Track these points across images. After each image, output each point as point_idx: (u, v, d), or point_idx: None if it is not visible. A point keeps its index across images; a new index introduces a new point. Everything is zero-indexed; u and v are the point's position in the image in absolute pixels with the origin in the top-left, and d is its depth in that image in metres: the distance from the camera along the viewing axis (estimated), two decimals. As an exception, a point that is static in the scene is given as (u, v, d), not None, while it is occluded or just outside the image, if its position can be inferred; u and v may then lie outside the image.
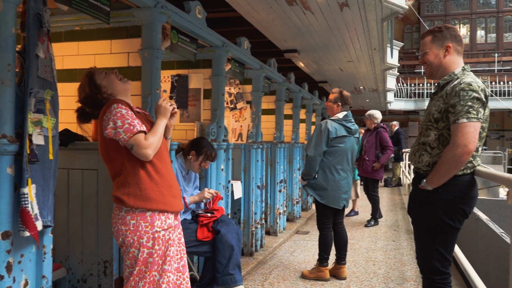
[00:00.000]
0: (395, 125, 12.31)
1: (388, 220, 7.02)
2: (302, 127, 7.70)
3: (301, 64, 7.52)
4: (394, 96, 15.79)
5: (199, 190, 3.46)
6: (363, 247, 5.23)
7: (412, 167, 2.92)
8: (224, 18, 5.48)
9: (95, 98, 2.18)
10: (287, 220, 6.43)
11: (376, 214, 6.60)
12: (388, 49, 7.28)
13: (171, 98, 4.00)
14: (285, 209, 6.00)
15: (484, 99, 2.18)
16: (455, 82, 2.24)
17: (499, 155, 15.61)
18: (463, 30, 20.94)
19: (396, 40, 19.11)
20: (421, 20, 16.83)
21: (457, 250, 3.38)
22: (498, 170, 11.16)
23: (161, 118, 2.17)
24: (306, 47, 6.26)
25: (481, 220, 3.70)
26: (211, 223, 3.15)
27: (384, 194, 10.23)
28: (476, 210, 4.03)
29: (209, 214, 3.21)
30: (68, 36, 3.12)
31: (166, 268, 2.09)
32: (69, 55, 3.12)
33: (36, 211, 1.79)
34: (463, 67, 2.33)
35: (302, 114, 7.90)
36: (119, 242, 2.09)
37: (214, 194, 3.31)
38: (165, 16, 2.78)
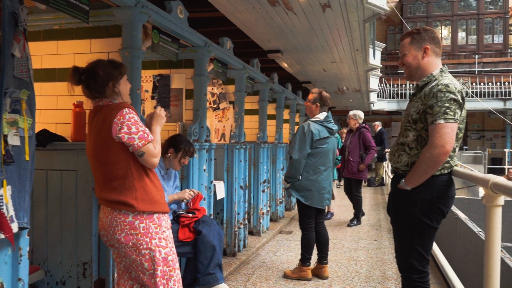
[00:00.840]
0: (378, 125, 12.45)
1: (370, 219, 7.09)
2: (286, 127, 7.72)
3: (284, 65, 7.54)
4: (377, 97, 15.95)
5: (180, 190, 3.45)
6: (345, 247, 5.27)
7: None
8: (207, 18, 5.47)
9: (103, 81, 2.15)
10: (271, 220, 6.45)
11: (359, 214, 6.63)
12: (371, 50, 7.35)
13: (152, 98, 3.98)
14: (268, 209, 6.01)
15: (461, 100, 2.21)
16: (433, 84, 2.28)
17: (480, 155, 15.91)
18: (444, 32, 21.23)
19: (379, 41, 19.27)
20: (404, 21, 17.03)
21: (435, 248, 3.43)
22: (478, 170, 11.32)
23: (158, 126, 2.27)
24: (289, 48, 6.29)
25: (460, 219, 3.76)
26: (193, 223, 3.14)
27: (367, 194, 10.33)
28: (455, 209, 4.09)
29: (190, 215, 3.20)
30: (47, 35, 3.08)
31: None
32: (48, 54, 3.08)
33: (12, 213, 1.76)
34: (441, 68, 2.37)
35: (286, 114, 7.93)
36: (129, 247, 2.11)
37: (194, 195, 3.30)
38: (146, 16, 2.77)
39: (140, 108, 3.73)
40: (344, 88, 10.60)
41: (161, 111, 2.30)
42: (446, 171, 2.31)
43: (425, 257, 2.35)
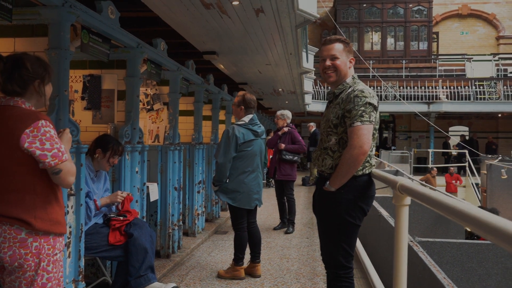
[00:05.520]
0: (312, 126, 12.86)
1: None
2: (222, 128, 7.78)
3: (221, 66, 7.59)
4: (312, 98, 16.43)
5: (111, 193, 3.40)
6: (278, 245, 5.42)
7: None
8: (141, 18, 5.40)
9: (29, 78, 1.93)
10: (206, 220, 6.48)
11: (293, 218, 6.36)
12: (304, 54, 7.59)
13: (83, 98, 3.88)
14: (203, 209, 6.04)
15: (375, 104, 2.40)
16: (349, 90, 2.46)
17: (406, 154, 16.88)
18: (375, 37, 22.29)
19: (314, 44, 19.82)
20: (337, 26, 17.69)
21: (358, 244, 3.64)
22: (404, 169, 11.94)
23: (67, 147, 2.06)
24: (225, 50, 6.34)
25: (383, 216, 4.02)
26: (124, 226, 3.12)
27: (301, 193, 10.64)
28: (378, 207, 4.36)
29: (121, 218, 3.17)
30: (-34, 31, 2.92)
31: None
32: (-33, 51, 2.92)
33: None
34: (352, 76, 2.58)
35: (222, 115, 8.00)
36: (13, 267, 1.87)
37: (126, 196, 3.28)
38: (74, 16, 2.71)
39: (69, 109, 3.64)
40: (280, 89, 10.83)
41: (70, 134, 2.13)
42: (367, 171, 2.49)
43: (350, 253, 2.51)
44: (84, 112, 3.89)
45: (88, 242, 2.97)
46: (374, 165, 2.53)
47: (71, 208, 2.76)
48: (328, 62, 2.56)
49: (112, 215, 3.22)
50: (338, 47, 2.54)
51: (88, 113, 3.89)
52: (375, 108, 2.41)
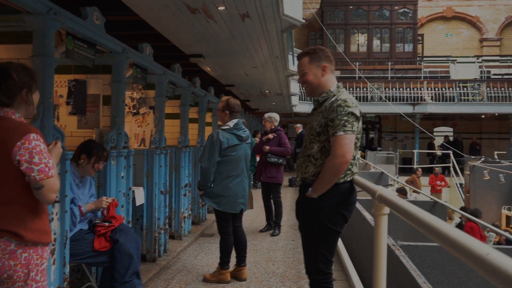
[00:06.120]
0: (299, 127, 12.93)
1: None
2: (209, 130, 7.79)
3: (207, 69, 7.60)
4: (299, 100, 16.51)
5: (96, 198, 3.40)
6: (264, 248, 5.46)
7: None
8: (127, 21, 5.38)
9: (16, 88, 1.92)
10: (193, 223, 6.49)
11: (280, 221, 6.41)
12: (290, 57, 7.64)
13: (68, 103, 3.87)
14: (190, 212, 6.05)
15: (358, 114, 2.45)
16: (333, 99, 2.50)
17: (392, 155, 17.07)
18: (361, 39, 22.47)
19: (301, 45, 19.88)
20: (324, 28, 17.80)
21: (341, 248, 3.69)
22: (389, 170, 12.07)
23: (55, 160, 2.08)
24: (212, 53, 6.35)
25: (366, 220, 4.08)
26: (109, 232, 3.12)
27: (288, 194, 10.70)
28: (362, 211, 4.43)
29: (107, 224, 3.18)
30: None
31: None
32: (-51, 57, 2.90)
33: None
34: (337, 84, 2.61)
35: (209, 117, 8.01)
36: (2, 278, 1.87)
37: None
38: (59, 23, 2.71)
39: (54, 114, 3.63)
40: (267, 91, 10.87)
41: (60, 147, 2.13)
42: (348, 178, 2.54)
43: (330, 259, 2.56)
44: (69, 117, 3.89)
45: (73, 249, 2.97)
46: (356, 173, 2.58)
47: (56, 215, 2.76)
48: (300, 79, 2.68)
49: (97, 221, 3.23)
50: (304, 62, 2.63)
51: (73, 118, 3.88)
52: (358, 118, 2.46)
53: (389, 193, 1.80)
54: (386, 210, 1.83)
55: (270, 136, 6.43)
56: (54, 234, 2.74)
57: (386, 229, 1.88)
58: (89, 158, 3.17)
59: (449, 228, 1.09)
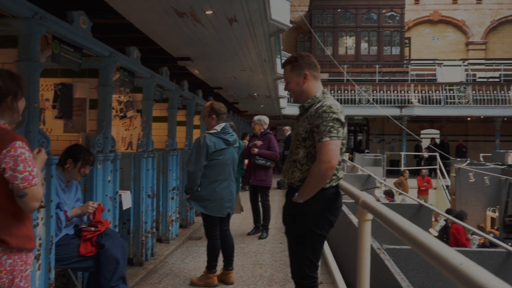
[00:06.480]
0: (288, 129, 12.95)
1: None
2: (196, 133, 7.78)
3: (195, 71, 7.60)
4: (288, 102, 16.56)
5: (83, 202, 3.39)
6: (252, 251, 5.47)
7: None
8: (116, 25, 5.37)
9: (1, 95, 1.92)
10: (181, 226, 6.47)
11: (268, 224, 6.42)
12: (278, 60, 7.68)
13: (54, 107, 3.84)
14: (177, 216, 6.04)
15: (343, 120, 2.48)
16: (318, 105, 2.52)
17: (379, 157, 17.20)
18: (349, 42, 22.64)
19: (290, 48, 19.95)
20: (312, 30, 17.90)
21: (327, 251, 3.72)
22: (378, 172, 12.16)
23: (40, 167, 2.09)
24: (200, 56, 6.36)
25: (353, 223, 4.12)
26: (95, 237, 3.11)
27: (276, 197, 10.71)
28: (349, 214, 4.46)
29: (93, 228, 3.17)
30: None
31: None
32: None
33: None
34: (323, 90, 2.64)
35: (197, 120, 8.00)
36: None
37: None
38: (45, 28, 2.70)
39: (40, 118, 3.61)
40: (255, 94, 10.91)
41: (45, 154, 2.13)
42: (334, 183, 2.56)
43: (315, 264, 2.58)
44: (56, 121, 3.86)
45: (58, 254, 2.96)
46: (341, 178, 2.61)
47: (41, 220, 2.74)
48: (285, 87, 2.74)
49: (83, 226, 3.21)
50: (286, 70, 2.68)
51: (60, 122, 3.86)
52: (343, 124, 2.49)
53: (372, 199, 1.83)
54: (370, 216, 1.86)
55: (258, 143, 6.40)
56: (39, 239, 2.72)
57: (370, 235, 1.91)
58: (75, 163, 3.16)
59: (426, 237, 1.11)
